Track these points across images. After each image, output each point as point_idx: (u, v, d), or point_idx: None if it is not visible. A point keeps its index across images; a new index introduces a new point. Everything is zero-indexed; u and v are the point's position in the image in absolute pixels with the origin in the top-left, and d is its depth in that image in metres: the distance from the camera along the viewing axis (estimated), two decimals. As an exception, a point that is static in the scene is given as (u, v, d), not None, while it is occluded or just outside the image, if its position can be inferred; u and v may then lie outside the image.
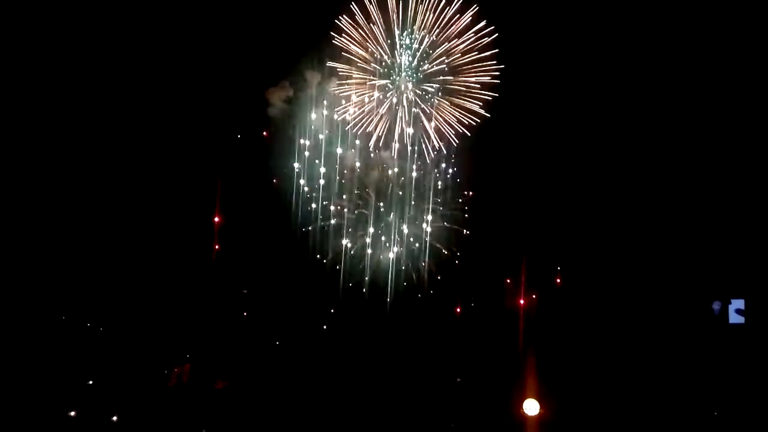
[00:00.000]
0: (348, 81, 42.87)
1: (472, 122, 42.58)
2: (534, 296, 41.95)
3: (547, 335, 38.98)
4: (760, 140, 38.09)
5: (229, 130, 43.37)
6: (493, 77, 41.82)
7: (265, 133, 44.87)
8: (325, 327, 41.73)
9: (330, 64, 42.40)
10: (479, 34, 41.44)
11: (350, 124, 43.32)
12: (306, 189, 43.62)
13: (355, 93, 43.10)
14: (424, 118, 43.52)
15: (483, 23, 41.19)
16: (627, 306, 39.18)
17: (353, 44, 42.37)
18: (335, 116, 43.52)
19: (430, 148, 43.65)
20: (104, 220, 38.24)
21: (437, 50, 42.50)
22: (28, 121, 37.20)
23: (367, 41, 42.34)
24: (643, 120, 41.48)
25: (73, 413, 31.91)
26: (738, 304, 35.87)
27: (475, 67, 42.29)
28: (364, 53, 42.63)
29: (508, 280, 43.28)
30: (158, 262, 38.50)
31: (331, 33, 41.93)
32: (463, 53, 42.20)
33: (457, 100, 43.02)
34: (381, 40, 42.31)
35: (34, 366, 32.53)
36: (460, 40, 41.96)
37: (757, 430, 31.35)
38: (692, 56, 39.89)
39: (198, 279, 38.96)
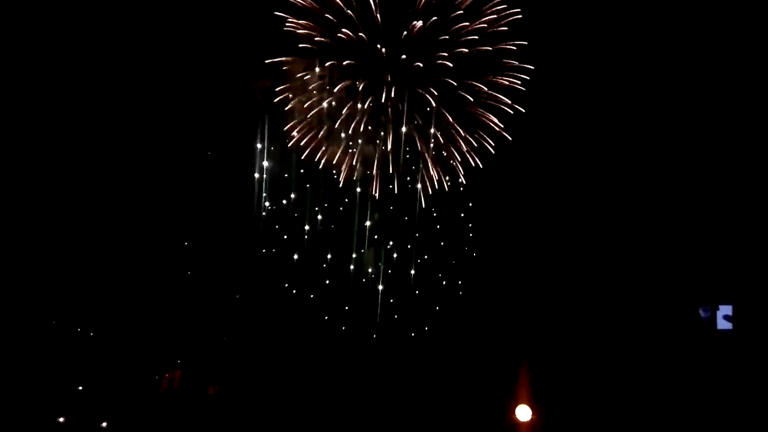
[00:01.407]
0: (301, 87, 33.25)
1: (487, 145, 33.59)
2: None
3: (538, 341, 39.15)
4: (750, 146, 38.43)
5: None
6: (517, 81, 31.84)
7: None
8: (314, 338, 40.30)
9: (272, 60, 31.99)
10: (499, 15, 30.70)
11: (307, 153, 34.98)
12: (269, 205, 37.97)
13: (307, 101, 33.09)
14: (419, 142, 33.78)
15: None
16: (615, 312, 39.44)
17: (309, 30, 31.53)
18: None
19: (427, 184, 35.45)
20: (94, 224, 37.86)
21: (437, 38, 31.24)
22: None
23: (334, 26, 31.35)
24: (637, 121, 41.43)
25: (62, 419, 31.69)
26: (726, 310, 36.11)
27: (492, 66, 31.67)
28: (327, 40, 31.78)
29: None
30: (148, 266, 38.21)
31: (279, 14, 31.32)
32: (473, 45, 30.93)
33: (465, 115, 32.90)
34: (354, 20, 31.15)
35: (22, 371, 32.25)
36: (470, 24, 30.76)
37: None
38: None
39: (188, 283, 38.77)
